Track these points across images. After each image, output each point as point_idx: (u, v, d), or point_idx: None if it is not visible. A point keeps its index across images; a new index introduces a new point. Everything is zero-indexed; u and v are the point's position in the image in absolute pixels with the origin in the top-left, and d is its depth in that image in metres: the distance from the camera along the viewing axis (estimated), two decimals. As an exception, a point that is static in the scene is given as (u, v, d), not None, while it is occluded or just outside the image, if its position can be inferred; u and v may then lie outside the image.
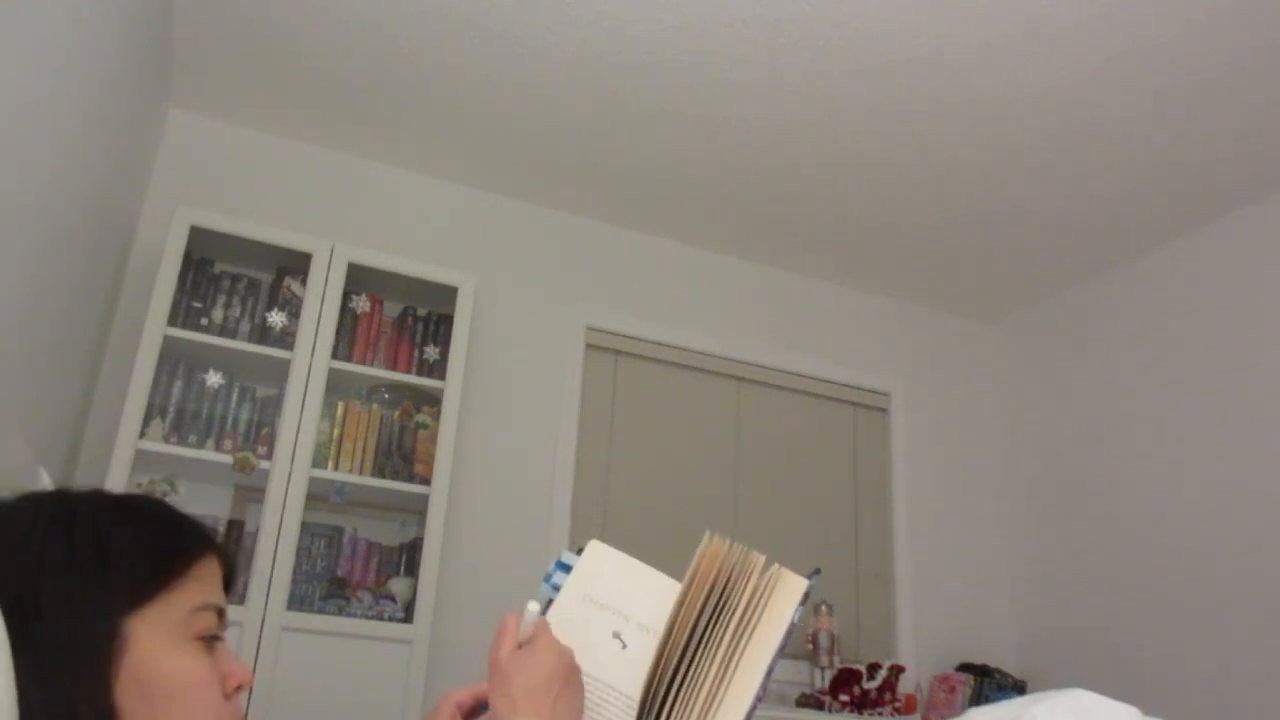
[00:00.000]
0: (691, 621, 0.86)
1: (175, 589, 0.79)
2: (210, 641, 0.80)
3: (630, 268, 3.76)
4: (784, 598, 0.87)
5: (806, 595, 0.87)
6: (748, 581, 0.87)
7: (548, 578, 0.93)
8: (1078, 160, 3.16)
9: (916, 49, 2.71)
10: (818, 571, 0.91)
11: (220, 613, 0.83)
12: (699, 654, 0.85)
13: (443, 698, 0.92)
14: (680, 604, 0.87)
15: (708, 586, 0.87)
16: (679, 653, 0.85)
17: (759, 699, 0.83)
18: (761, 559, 0.89)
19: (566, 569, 0.93)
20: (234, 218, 2.90)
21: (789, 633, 0.86)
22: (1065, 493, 3.82)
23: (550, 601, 0.91)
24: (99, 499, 0.82)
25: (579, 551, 0.94)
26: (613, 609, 0.90)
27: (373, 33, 2.80)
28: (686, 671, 0.84)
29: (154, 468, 2.70)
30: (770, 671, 0.85)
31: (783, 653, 0.88)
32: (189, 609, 0.79)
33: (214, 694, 0.79)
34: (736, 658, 0.84)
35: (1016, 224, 3.56)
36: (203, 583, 0.82)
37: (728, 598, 0.87)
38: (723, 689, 0.83)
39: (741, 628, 0.86)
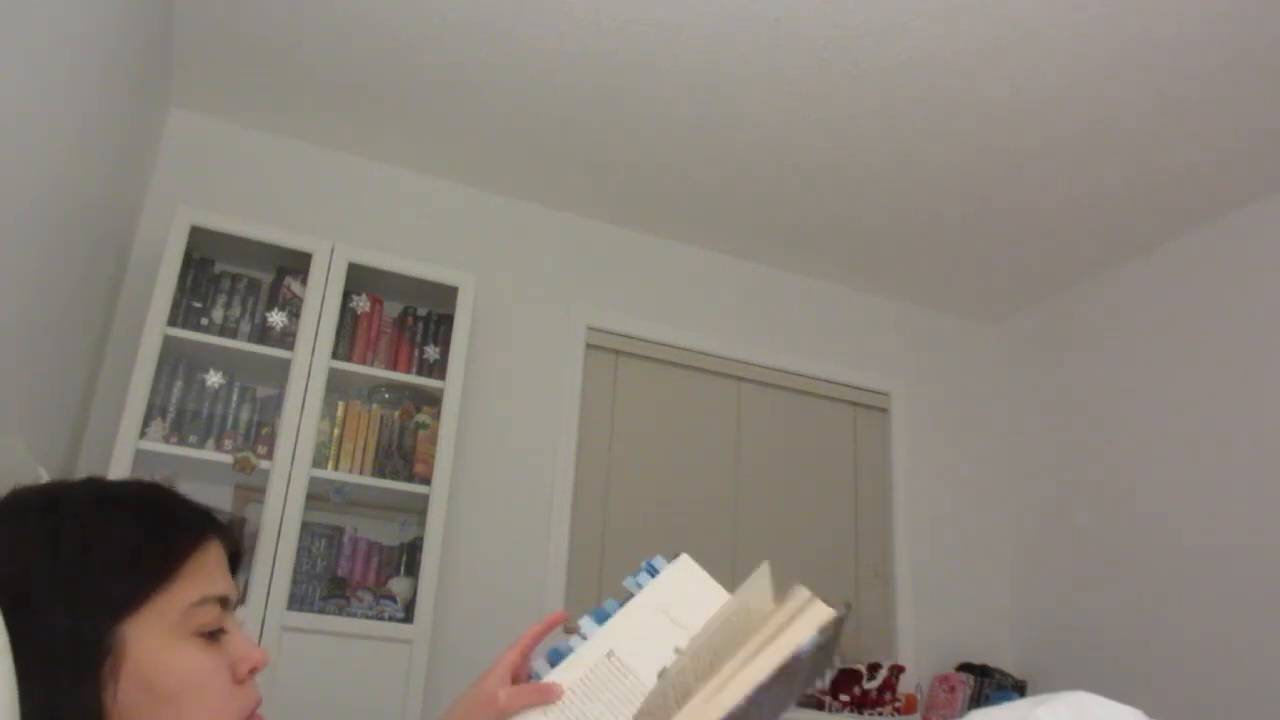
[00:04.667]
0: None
1: (170, 587, 0.77)
2: (214, 634, 0.79)
3: (630, 268, 3.76)
4: (802, 624, 0.83)
5: (830, 629, 0.82)
6: (779, 606, 0.84)
7: (636, 574, 0.93)
8: (1078, 160, 3.16)
9: (916, 49, 2.71)
10: (848, 606, 0.86)
11: (224, 600, 0.81)
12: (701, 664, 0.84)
13: (497, 660, 0.95)
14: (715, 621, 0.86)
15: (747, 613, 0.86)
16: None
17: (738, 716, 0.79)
18: (807, 594, 0.84)
19: (653, 572, 0.93)
20: (234, 218, 2.90)
21: (796, 659, 0.81)
22: (1065, 492, 3.82)
23: (630, 597, 0.92)
24: (86, 496, 0.80)
25: (674, 557, 0.94)
26: (682, 626, 0.90)
27: (373, 33, 2.80)
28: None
29: (154, 468, 2.70)
30: (766, 693, 0.81)
31: (793, 683, 0.84)
32: (186, 605, 0.77)
33: (221, 687, 0.78)
34: (727, 671, 0.81)
35: (1016, 224, 3.56)
36: (201, 574, 0.79)
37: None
38: (698, 696, 0.81)
39: (747, 643, 0.83)
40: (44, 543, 0.75)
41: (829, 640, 0.85)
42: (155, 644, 0.75)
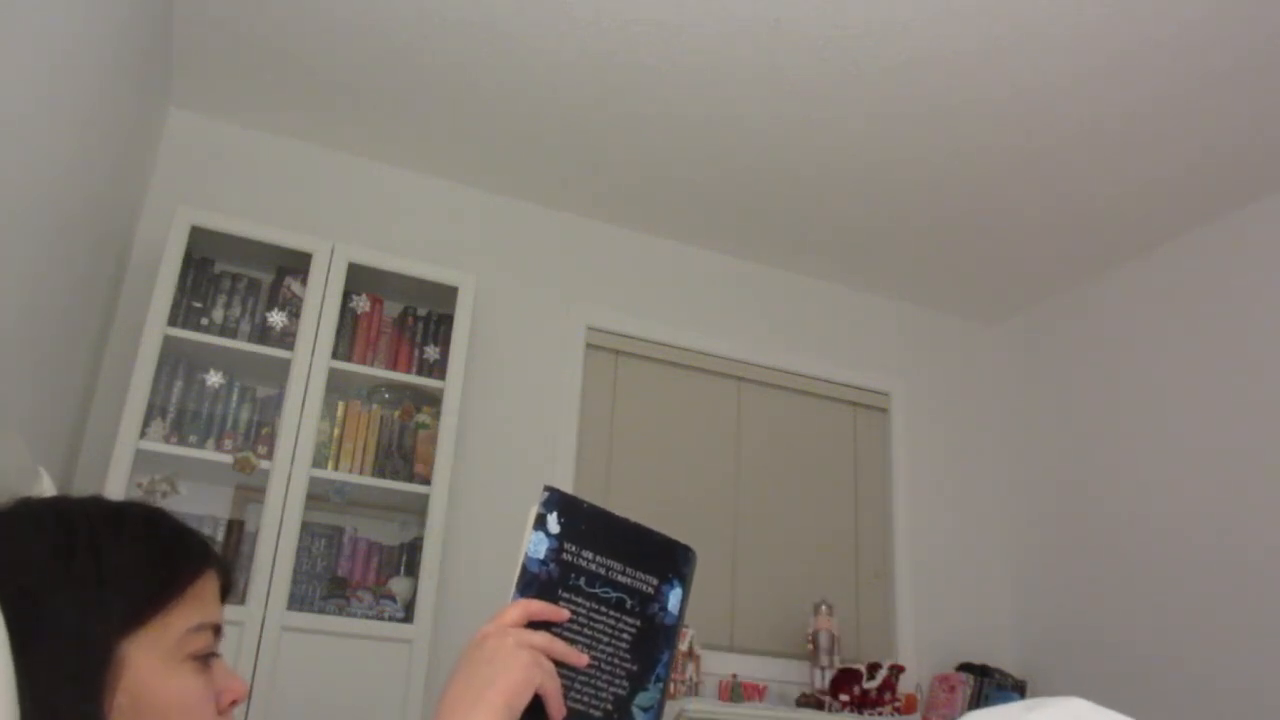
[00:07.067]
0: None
1: (172, 610, 0.78)
2: (206, 659, 0.80)
3: (630, 268, 3.76)
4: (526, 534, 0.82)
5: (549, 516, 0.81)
6: None
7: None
8: (1077, 160, 3.16)
9: (916, 49, 2.71)
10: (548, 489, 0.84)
11: (217, 629, 0.82)
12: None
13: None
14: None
15: None
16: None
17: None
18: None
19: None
20: (234, 218, 2.90)
21: (525, 567, 0.81)
22: (1065, 492, 3.82)
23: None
24: (97, 512, 0.81)
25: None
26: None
27: (373, 33, 2.80)
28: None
29: (154, 468, 2.70)
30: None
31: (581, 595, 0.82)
32: (185, 630, 0.79)
33: (207, 714, 0.79)
34: None
35: (1017, 225, 3.56)
36: (200, 601, 0.81)
37: None
38: None
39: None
40: (59, 548, 0.76)
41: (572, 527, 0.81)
42: (153, 662, 0.76)
